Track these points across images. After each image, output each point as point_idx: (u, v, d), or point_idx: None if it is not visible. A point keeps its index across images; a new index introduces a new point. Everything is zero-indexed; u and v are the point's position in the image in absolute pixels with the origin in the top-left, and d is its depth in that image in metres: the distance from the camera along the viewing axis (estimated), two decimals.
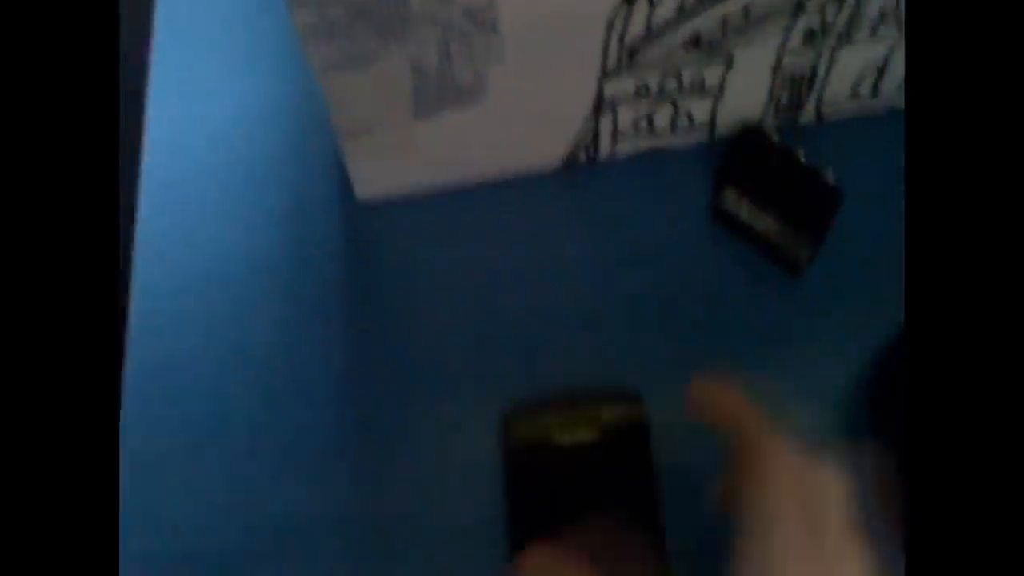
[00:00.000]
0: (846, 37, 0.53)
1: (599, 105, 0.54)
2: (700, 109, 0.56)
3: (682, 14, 0.49)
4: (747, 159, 0.57)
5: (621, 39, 0.50)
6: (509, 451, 0.53)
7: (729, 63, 0.53)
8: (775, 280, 0.57)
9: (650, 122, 0.56)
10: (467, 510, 0.53)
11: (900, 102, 0.59)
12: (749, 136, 0.57)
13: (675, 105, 0.55)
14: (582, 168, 0.59)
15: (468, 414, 0.54)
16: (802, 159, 0.56)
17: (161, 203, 0.59)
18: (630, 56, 0.51)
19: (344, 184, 0.58)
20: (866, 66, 0.56)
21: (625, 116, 0.55)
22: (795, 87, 0.56)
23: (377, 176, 0.56)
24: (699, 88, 0.54)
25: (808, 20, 0.52)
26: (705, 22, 0.50)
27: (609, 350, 0.55)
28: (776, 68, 0.55)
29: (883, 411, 0.53)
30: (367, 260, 0.57)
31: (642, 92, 0.54)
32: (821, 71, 0.55)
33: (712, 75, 0.54)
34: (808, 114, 0.58)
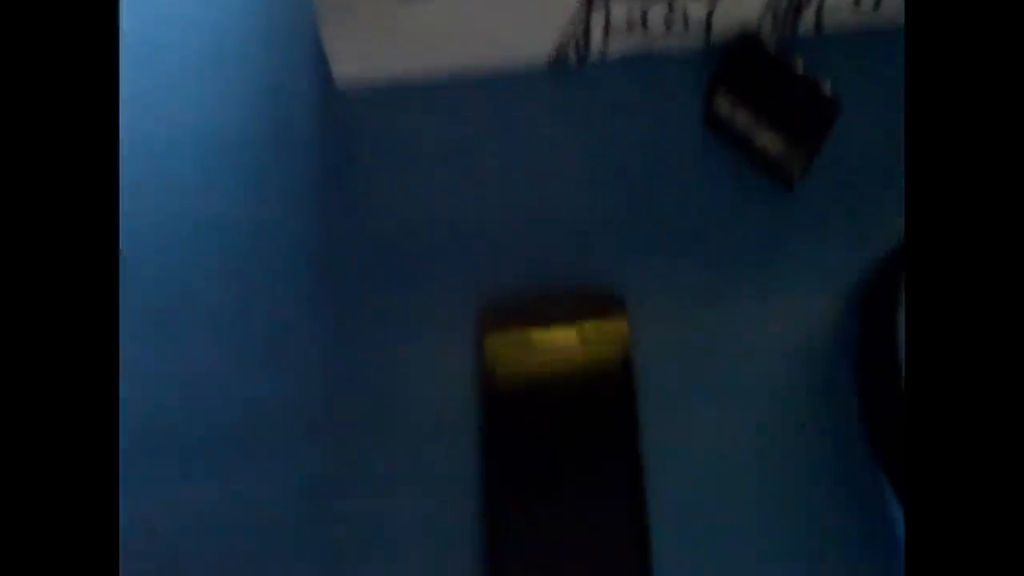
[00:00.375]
0: None
1: None
2: (696, 8, 0.54)
3: None
4: (743, 66, 0.54)
5: None
6: (484, 347, 0.51)
7: None
8: (767, 191, 0.54)
9: (644, 20, 0.54)
10: (439, 400, 0.51)
11: (902, 17, 0.57)
12: (745, 43, 0.55)
13: (671, 3, 0.53)
14: (571, 67, 0.56)
15: (444, 307, 0.52)
16: (799, 70, 0.54)
17: (133, 74, 0.56)
18: None
19: (324, 67, 0.55)
20: None
21: (618, 11, 0.53)
22: None
23: (356, 59, 0.54)
24: None
25: None
26: None
27: (592, 254, 0.53)
28: None
29: (877, 327, 0.51)
30: (344, 146, 0.55)
31: None
32: None
33: None
34: (807, 23, 0.56)
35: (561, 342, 0.50)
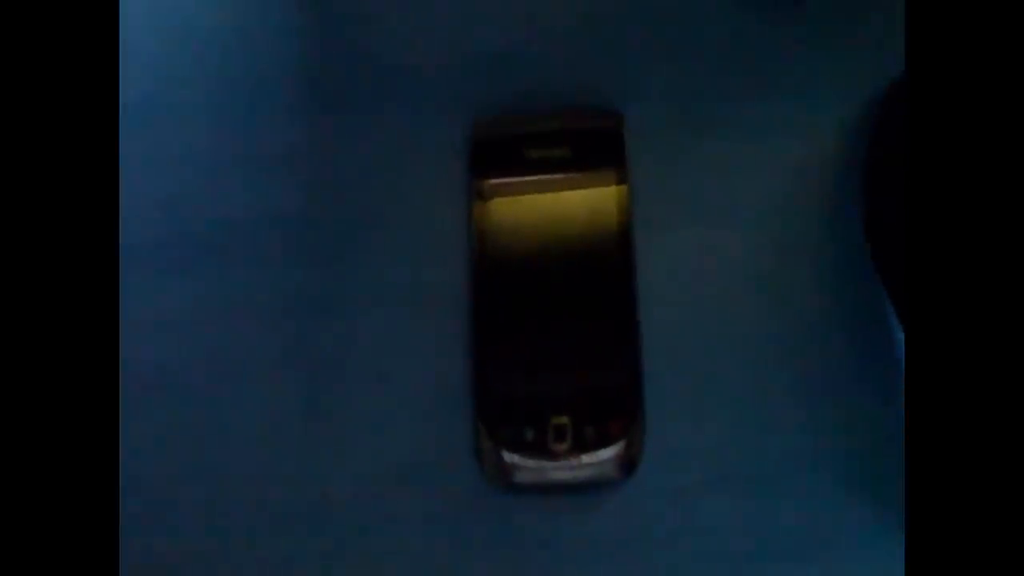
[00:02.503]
0: None
1: None
2: None
3: None
4: None
5: None
6: (475, 165, 0.49)
7: None
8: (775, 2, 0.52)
9: None
10: (427, 217, 0.50)
11: None
12: None
13: None
14: None
15: (433, 124, 0.50)
16: None
17: None
18: None
19: None
20: None
21: None
22: None
23: None
24: None
25: None
26: None
27: (589, 67, 0.51)
28: None
29: (885, 145, 0.49)
30: None
31: None
32: None
33: None
34: None
35: (556, 160, 0.49)
